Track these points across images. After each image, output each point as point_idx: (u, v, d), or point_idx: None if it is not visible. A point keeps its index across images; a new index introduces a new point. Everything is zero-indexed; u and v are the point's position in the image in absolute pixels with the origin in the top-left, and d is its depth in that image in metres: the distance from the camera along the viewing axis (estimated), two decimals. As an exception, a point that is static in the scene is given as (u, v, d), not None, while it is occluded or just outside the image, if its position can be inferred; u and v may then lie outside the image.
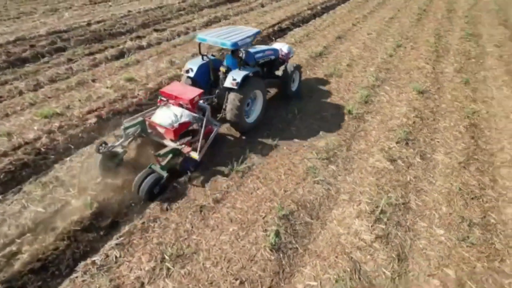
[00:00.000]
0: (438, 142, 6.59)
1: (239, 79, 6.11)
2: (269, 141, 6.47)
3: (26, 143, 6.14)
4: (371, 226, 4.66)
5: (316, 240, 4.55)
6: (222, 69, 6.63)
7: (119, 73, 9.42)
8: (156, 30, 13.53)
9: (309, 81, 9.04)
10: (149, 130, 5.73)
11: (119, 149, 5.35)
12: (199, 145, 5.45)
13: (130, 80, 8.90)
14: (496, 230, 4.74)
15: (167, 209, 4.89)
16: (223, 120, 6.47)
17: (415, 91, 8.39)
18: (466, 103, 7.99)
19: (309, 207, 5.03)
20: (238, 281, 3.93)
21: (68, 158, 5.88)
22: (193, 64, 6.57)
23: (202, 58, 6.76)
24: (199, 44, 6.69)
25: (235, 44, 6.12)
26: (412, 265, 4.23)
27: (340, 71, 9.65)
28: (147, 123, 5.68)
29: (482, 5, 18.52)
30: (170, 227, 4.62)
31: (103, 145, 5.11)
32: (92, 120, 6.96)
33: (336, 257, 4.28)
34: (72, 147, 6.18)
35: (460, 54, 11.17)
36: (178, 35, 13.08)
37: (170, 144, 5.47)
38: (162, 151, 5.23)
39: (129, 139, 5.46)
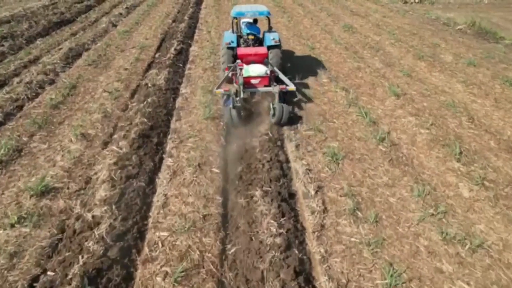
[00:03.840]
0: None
1: (277, 38, 7.88)
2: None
3: None
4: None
5: None
6: (251, 36, 8.44)
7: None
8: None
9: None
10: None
11: (239, 103, 6.57)
12: (287, 81, 7.14)
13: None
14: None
15: None
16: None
17: (393, 95, 8.12)
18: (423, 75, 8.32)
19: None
20: None
21: None
22: (231, 38, 7.96)
23: (232, 32, 8.42)
24: (233, 20, 8.58)
25: (268, 12, 8.08)
26: None
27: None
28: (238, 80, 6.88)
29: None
30: None
31: (234, 100, 6.48)
32: None
33: None
34: None
35: (365, 46, 11.84)
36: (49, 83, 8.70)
37: (271, 89, 6.92)
38: (279, 90, 6.72)
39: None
